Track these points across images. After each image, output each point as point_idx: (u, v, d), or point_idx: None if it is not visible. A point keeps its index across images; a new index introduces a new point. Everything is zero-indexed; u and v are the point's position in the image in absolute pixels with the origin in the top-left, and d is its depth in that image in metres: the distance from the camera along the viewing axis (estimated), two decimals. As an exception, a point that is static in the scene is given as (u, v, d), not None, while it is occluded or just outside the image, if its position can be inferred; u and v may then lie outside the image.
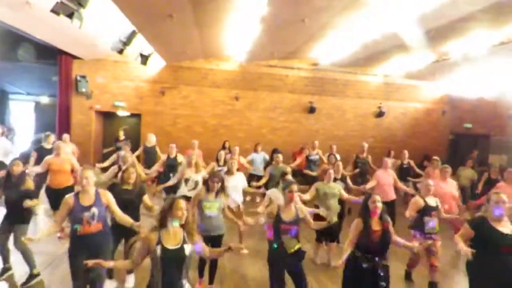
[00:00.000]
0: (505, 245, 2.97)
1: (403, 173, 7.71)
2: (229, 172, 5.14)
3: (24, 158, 7.96)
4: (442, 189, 5.35)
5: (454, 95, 11.55)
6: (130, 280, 4.15)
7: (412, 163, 8.12)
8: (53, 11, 4.68)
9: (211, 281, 4.11)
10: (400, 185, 6.41)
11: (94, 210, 3.20)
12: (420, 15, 5.55)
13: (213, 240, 3.90)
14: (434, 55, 8.35)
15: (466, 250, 3.02)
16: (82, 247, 3.19)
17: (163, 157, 6.99)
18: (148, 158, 7.73)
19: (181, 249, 2.49)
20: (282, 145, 10.15)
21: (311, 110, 10.88)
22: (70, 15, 4.75)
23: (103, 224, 3.30)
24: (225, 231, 4.12)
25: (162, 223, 2.55)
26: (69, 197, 3.25)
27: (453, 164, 8.44)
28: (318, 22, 6.59)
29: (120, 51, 7.18)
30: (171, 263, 2.47)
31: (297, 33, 7.55)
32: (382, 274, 3.15)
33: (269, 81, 10.78)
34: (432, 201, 4.34)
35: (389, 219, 3.33)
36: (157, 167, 6.83)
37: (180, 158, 6.87)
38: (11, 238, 4.13)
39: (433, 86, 11.56)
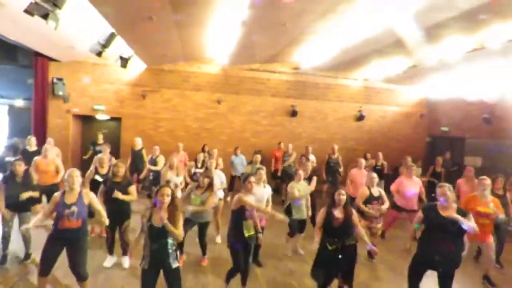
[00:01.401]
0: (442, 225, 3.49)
1: (377, 173, 7.97)
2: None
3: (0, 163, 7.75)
4: (405, 187, 5.88)
5: (432, 98, 11.90)
6: (126, 261, 4.81)
7: (385, 164, 8.93)
8: (26, 11, 4.51)
9: (204, 253, 5.03)
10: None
11: (74, 208, 3.56)
12: (397, 21, 5.70)
13: (200, 226, 4.87)
14: (411, 60, 8.57)
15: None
16: (59, 238, 3.58)
17: (147, 158, 7.88)
18: (137, 161, 8.20)
19: (164, 228, 3.16)
20: (265, 148, 10.19)
21: (293, 113, 10.96)
22: (45, 16, 4.59)
23: (82, 221, 3.64)
24: (209, 219, 4.95)
25: (153, 205, 3.28)
26: (57, 194, 3.66)
27: (430, 165, 8.76)
28: (299, 26, 6.65)
29: (99, 54, 7.00)
30: (156, 237, 3.19)
31: (278, 37, 7.60)
32: (345, 253, 3.74)
33: (252, 85, 10.80)
34: (376, 191, 5.22)
35: (352, 209, 3.96)
36: (146, 173, 7.93)
37: (161, 159, 7.78)
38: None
39: (412, 90, 11.87)
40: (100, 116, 10.23)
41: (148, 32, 6.73)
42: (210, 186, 4.73)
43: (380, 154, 8.95)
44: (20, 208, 4.68)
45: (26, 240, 4.78)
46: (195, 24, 6.61)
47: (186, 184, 7.64)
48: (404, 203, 5.86)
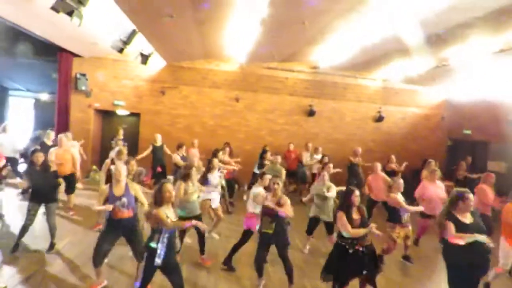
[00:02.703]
0: (468, 233, 3.35)
1: (390, 176, 7.85)
2: (210, 170, 5.72)
3: (24, 154, 8.05)
4: (429, 190, 5.70)
5: (454, 100, 11.56)
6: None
7: (398, 167, 8.58)
8: (53, 8, 4.67)
9: (202, 252, 4.98)
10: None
11: (124, 199, 3.86)
12: (421, 20, 5.57)
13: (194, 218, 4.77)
14: (434, 61, 8.36)
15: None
16: (116, 229, 3.89)
17: (175, 156, 7.74)
18: (157, 157, 8.32)
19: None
20: (280, 147, 10.15)
21: (311, 113, 10.88)
22: (70, 13, 4.75)
23: (133, 211, 3.97)
24: (199, 212, 4.94)
25: (156, 203, 3.35)
26: (105, 188, 3.99)
27: (451, 170, 8.52)
28: (318, 25, 6.59)
29: (120, 50, 7.18)
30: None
31: (297, 36, 7.56)
32: (366, 252, 3.75)
33: (269, 83, 10.79)
34: (402, 197, 5.10)
35: (364, 208, 3.98)
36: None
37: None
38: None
39: (433, 91, 11.57)
40: (119, 111, 10.46)
41: (169, 29, 6.82)
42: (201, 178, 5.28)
43: (393, 157, 8.69)
44: (46, 199, 4.86)
45: (52, 230, 4.95)
46: (215, 22, 6.65)
47: None
48: (430, 209, 5.59)
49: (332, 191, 5.54)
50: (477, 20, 5.55)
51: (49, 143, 7.38)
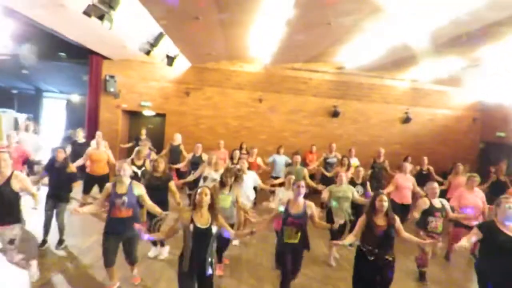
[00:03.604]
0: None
1: (422, 179, 7.51)
2: (240, 170, 5.40)
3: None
4: (467, 199, 5.24)
5: (487, 102, 11.04)
6: (164, 252, 5.02)
7: (431, 169, 8.00)
8: (85, 13, 4.85)
9: (219, 260, 4.62)
10: (418, 189, 6.41)
11: (125, 198, 3.77)
12: (452, 19, 5.35)
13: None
14: (465, 61, 8.02)
15: (461, 245, 3.30)
16: (114, 227, 3.79)
17: (188, 155, 7.51)
18: (173, 156, 8.25)
19: (209, 228, 3.10)
20: (304, 148, 10.04)
21: (335, 114, 10.72)
22: (101, 17, 4.91)
23: (133, 211, 3.86)
24: (235, 220, 4.62)
25: (194, 205, 3.17)
26: (109, 185, 3.90)
27: (483, 174, 8.13)
28: (345, 26, 6.48)
29: (148, 52, 7.36)
30: (200, 239, 3.07)
31: (323, 36, 7.46)
32: (384, 267, 3.44)
33: (293, 84, 10.72)
34: (437, 202, 4.70)
35: (395, 216, 3.58)
36: (183, 164, 7.59)
37: (205, 157, 7.26)
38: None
39: (464, 93, 11.10)
40: (146, 112, 10.72)
41: (194, 31, 6.92)
42: (236, 179, 4.62)
43: (425, 159, 8.14)
44: (58, 197, 4.91)
45: (61, 229, 5.00)
46: (240, 23, 6.68)
47: None
48: (466, 219, 5.18)
49: (355, 194, 5.33)
50: (511, 18, 5.27)
51: (81, 140, 7.66)
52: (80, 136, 7.78)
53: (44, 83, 12.65)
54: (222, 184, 4.44)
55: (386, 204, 3.52)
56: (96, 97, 10.16)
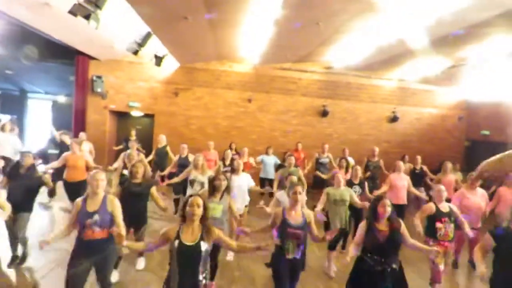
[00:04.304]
0: None
1: (416, 178, 7.56)
2: (234, 172, 5.11)
3: (42, 155, 8.22)
4: (468, 200, 4.97)
5: (471, 100, 11.29)
6: (141, 263, 4.55)
7: (425, 168, 7.92)
8: (70, 12, 4.77)
9: (212, 278, 4.02)
10: (413, 189, 6.23)
11: (97, 217, 3.12)
12: (437, 19, 5.45)
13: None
14: (451, 60, 8.19)
15: (482, 272, 2.91)
16: (85, 251, 3.13)
17: (175, 158, 7.12)
18: (160, 159, 7.84)
19: (197, 245, 2.63)
20: (294, 148, 10.10)
21: (324, 113, 10.80)
22: (87, 17, 4.84)
23: (108, 232, 3.15)
24: (226, 232, 4.00)
25: (182, 218, 2.74)
26: (79, 200, 3.23)
27: (469, 171, 8.29)
28: (333, 26, 6.54)
29: (135, 52, 7.28)
30: (187, 258, 2.62)
31: (311, 37, 7.51)
32: (388, 276, 3.09)
33: (282, 84, 10.76)
34: (445, 206, 4.18)
35: (400, 221, 3.28)
36: (170, 169, 6.99)
37: (191, 158, 6.79)
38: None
39: (449, 92, 11.33)
40: (134, 113, 10.61)
41: (183, 31, 6.88)
42: (228, 189, 4.06)
43: (419, 158, 8.02)
44: (19, 206, 4.17)
45: (23, 242, 4.40)
46: (228, 23, 6.67)
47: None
48: (468, 221, 4.86)
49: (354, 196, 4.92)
50: (496, 18, 5.41)
51: (68, 142, 7.21)
52: (66, 138, 7.45)
53: (29, 84, 12.39)
54: (213, 190, 3.95)
55: (389, 209, 3.21)
56: (83, 98, 10.01)
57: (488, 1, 4.84)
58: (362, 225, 3.32)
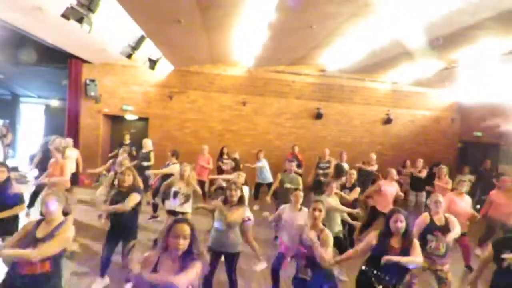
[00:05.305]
0: None
1: (417, 182, 7.56)
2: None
3: (33, 161, 8.12)
4: (457, 205, 4.92)
5: (464, 102, 11.42)
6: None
7: (424, 173, 7.81)
8: (63, 15, 4.75)
9: None
10: (400, 194, 6.04)
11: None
12: (429, 22, 5.52)
13: (226, 257, 3.72)
14: (443, 63, 8.27)
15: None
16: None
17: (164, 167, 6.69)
18: (142, 166, 7.55)
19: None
20: (288, 150, 10.12)
21: (318, 116, 10.84)
22: (80, 20, 4.82)
23: (51, 264, 2.62)
24: (239, 249, 3.79)
25: (162, 248, 2.26)
26: (30, 223, 2.75)
27: (462, 173, 8.38)
28: (326, 29, 6.58)
29: (129, 56, 7.25)
30: None
31: (305, 40, 7.55)
32: None
33: (276, 87, 10.79)
34: (441, 219, 3.86)
35: (414, 239, 3.04)
36: (156, 178, 6.79)
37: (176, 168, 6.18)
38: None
39: (442, 94, 11.45)
40: (128, 116, 10.55)
41: (177, 35, 6.88)
42: (242, 200, 3.81)
43: (421, 161, 7.94)
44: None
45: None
46: (222, 27, 6.68)
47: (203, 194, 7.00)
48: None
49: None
50: (487, 21, 5.48)
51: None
52: (57, 143, 7.37)
53: (21, 88, 12.28)
54: (227, 201, 3.74)
55: (403, 225, 2.96)
56: (76, 102, 9.92)
57: (478, 4, 4.90)
58: (370, 239, 3.08)
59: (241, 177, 5.10)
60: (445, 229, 3.78)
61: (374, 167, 8.13)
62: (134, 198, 3.94)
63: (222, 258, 3.81)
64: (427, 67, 8.75)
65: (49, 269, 2.60)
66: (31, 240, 2.58)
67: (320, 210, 3.15)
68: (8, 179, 3.99)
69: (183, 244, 2.21)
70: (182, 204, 4.94)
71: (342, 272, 4.70)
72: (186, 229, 2.23)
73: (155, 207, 6.90)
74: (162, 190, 5.32)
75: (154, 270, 2.18)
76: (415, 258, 2.88)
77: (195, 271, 2.21)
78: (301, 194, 4.13)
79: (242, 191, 3.82)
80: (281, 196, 5.80)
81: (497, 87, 9.52)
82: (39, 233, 2.64)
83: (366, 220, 6.13)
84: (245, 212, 3.85)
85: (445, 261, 3.76)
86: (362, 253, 3.11)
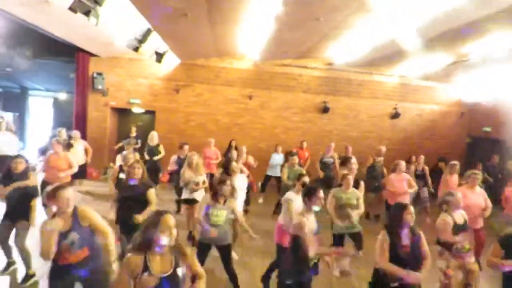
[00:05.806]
0: None
1: (418, 179, 7.48)
2: (232, 174, 4.89)
3: (42, 153, 8.24)
4: (469, 199, 4.75)
5: (473, 97, 11.24)
6: None
7: (426, 169, 7.71)
8: (70, 9, 4.76)
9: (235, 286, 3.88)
10: (412, 188, 6.05)
11: (73, 236, 2.70)
12: (439, 15, 5.41)
13: (220, 250, 3.77)
14: (453, 57, 8.14)
15: None
16: (65, 277, 2.70)
17: (173, 157, 6.78)
18: (150, 159, 7.61)
19: (174, 274, 2.16)
20: (295, 145, 10.10)
21: (325, 110, 10.77)
22: (87, 13, 4.83)
23: (90, 249, 2.78)
24: (230, 240, 3.87)
25: (147, 245, 2.14)
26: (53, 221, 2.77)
27: (470, 168, 8.27)
28: (334, 22, 6.50)
29: (136, 49, 7.27)
30: None
31: (312, 33, 7.47)
32: None
33: (283, 81, 10.73)
34: (459, 217, 3.86)
35: (420, 232, 3.04)
36: (168, 171, 6.86)
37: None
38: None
39: (451, 88, 11.28)
40: (135, 110, 10.61)
41: (183, 28, 6.86)
42: (232, 194, 3.84)
43: (422, 158, 7.79)
44: (15, 215, 3.96)
45: (25, 256, 4.02)
46: (229, 20, 6.64)
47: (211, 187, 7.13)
48: (468, 221, 4.47)
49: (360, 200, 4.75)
50: (495, 15, 5.36)
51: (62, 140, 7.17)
52: (62, 135, 7.41)
53: (29, 81, 12.39)
54: (216, 195, 3.68)
55: (412, 217, 2.99)
56: (84, 95, 10.00)
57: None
58: (383, 238, 3.01)
59: (236, 168, 5.00)
60: (466, 226, 3.87)
61: (380, 159, 7.93)
62: (154, 196, 3.94)
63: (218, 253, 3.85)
64: (436, 61, 8.62)
65: (88, 253, 2.77)
66: (58, 235, 2.65)
67: (322, 197, 3.22)
68: (26, 169, 4.09)
69: (173, 234, 2.17)
70: (194, 191, 5.03)
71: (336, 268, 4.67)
72: (172, 220, 2.19)
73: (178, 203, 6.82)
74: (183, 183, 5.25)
75: (146, 269, 2.11)
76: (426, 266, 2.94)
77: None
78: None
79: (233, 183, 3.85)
80: (284, 190, 5.78)
81: (507, 82, 9.35)
82: (62, 227, 2.70)
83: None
84: (235, 206, 3.83)
85: (471, 254, 3.80)
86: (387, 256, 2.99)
